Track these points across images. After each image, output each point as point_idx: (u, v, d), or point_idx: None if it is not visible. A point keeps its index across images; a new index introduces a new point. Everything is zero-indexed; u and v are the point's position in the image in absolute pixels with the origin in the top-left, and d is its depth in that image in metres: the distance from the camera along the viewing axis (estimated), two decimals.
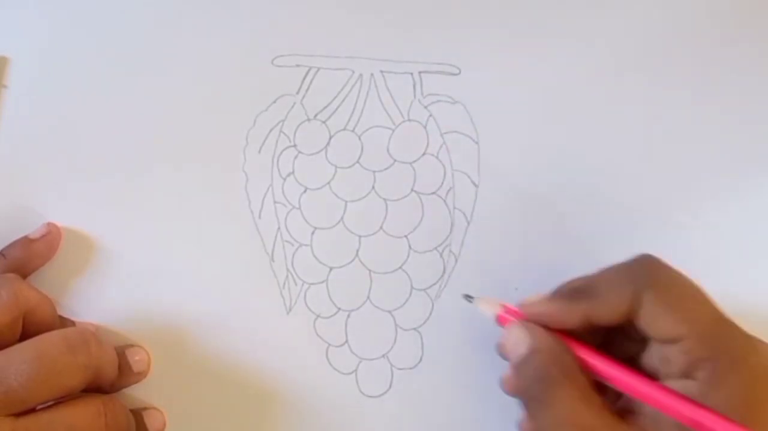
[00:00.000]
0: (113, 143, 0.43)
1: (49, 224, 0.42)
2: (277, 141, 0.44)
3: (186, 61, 0.44)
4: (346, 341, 0.43)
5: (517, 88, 0.44)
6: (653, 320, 0.34)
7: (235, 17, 0.44)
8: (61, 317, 0.42)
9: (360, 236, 0.43)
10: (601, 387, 0.35)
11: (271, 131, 0.44)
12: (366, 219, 0.43)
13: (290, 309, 0.43)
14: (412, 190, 0.44)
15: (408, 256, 0.43)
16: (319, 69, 0.44)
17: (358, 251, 0.43)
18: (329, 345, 0.43)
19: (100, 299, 0.42)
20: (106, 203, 0.43)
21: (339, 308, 0.43)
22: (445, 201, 0.44)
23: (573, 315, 0.36)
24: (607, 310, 0.35)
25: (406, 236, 0.43)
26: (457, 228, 0.43)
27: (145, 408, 0.42)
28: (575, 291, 0.36)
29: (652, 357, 0.35)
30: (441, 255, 0.43)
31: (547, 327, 0.36)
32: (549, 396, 0.34)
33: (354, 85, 0.44)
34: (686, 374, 0.34)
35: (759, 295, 0.43)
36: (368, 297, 0.43)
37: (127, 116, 0.44)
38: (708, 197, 0.43)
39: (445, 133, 0.44)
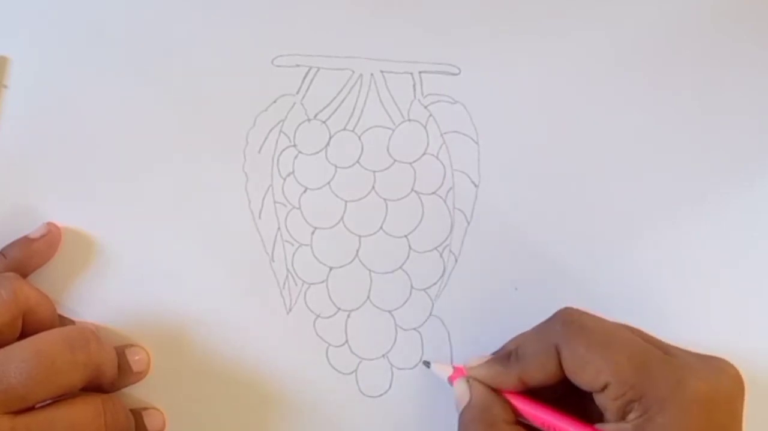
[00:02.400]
0: (113, 143, 0.44)
1: (49, 224, 0.42)
2: (277, 141, 0.44)
3: (186, 61, 0.44)
4: (346, 341, 0.43)
5: (517, 88, 0.44)
6: (576, 373, 0.35)
7: (235, 17, 0.44)
8: (60, 317, 0.42)
9: (360, 236, 0.43)
10: None
11: (271, 131, 0.44)
12: (366, 219, 0.43)
13: (290, 309, 0.43)
14: (412, 190, 0.44)
15: (408, 256, 0.43)
16: (319, 69, 0.44)
17: (358, 251, 0.43)
18: (329, 345, 0.43)
19: (100, 299, 0.42)
20: (106, 203, 0.43)
21: (339, 308, 0.43)
22: (445, 201, 0.44)
23: (508, 379, 0.37)
24: (535, 371, 0.36)
25: (406, 236, 0.43)
26: (457, 228, 0.43)
27: (145, 408, 0.42)
28: (506, 355, 0.38)
29: (597, 404, 0.36)
30: (441, 255, 0.43)
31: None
32: None
33: (354, 85, 0.44)
34: (621, 417, 0.34)
35: (759, 295, 0.43)
36: (368, 297, 0.43)
37: (126, 116, 0.44)
38: (709, 197, 0.43)
39: (445, 133, 0.44)
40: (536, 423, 0.37)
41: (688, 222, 0.43)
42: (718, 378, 0.35)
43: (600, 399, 0.35)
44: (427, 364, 0.41)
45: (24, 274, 0.41)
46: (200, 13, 0.44)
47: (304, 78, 0.44)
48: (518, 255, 0.43)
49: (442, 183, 0.44)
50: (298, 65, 0.44)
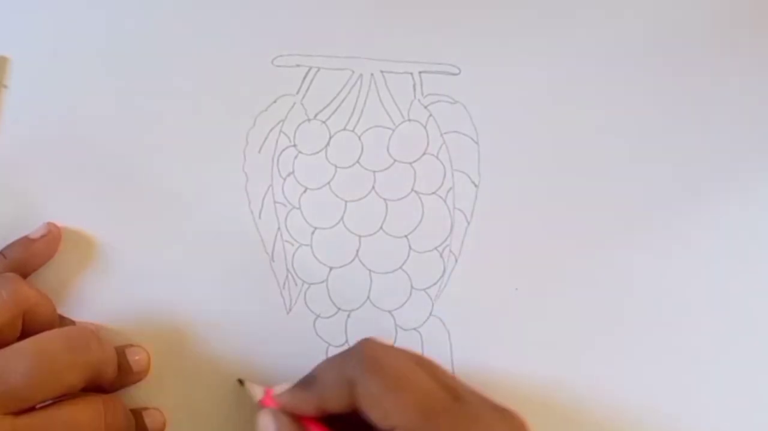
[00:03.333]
0: (113, 143, 0.43)
1: (49, 224, 0.42)
2: (277, 141, 0.44)
3: (186, 62, 0.44)
4: (346, 341, 0.43)
5: (517, 88, 0.44)
6: (368, 410, 0.35)
7: (235, 17, 0.44)
8: (60, 317, 0.42)
9: (360, 236, 0.43)
10: None
11: (271, 131, 0.44)
12: (366, 219, 0.43)
13: (290, 309, 0.43)
14: (412, 190, 0.44)
15: (408, 256, 0.43)
16: (319, 69, 0.44)
17: (358, 251, 0.43)
18: (329, 345, 0.43)
19: (100, 299, 0.42)
20: (106, 203, 0.43)
21: (339, 308, 0.43)
22: (445, 201, 0.44)
23: (307, 405, 0.36)
24: (331, 400, 0.36)
25: (406, 236, 0.43)
26: (457, 228, 0.43)
27: (145, 408, 0.42)
28: (304, 381, 0.37)
29: None
30: (441, 255, 0.43)
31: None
32: None
33: (354, 85, 0.44)
34: None
35: (760, 295, 0.43)
36: (368, 297, 0.43)
37: (126, 116, 0.44)
38: (711, 198, 0.43)
39: (445, 133, 0.44)
40: None
41: (688, 222, 0.43)
42: (504, 424, 0.34)
43: None
44: (241, 382, 0.41)
45: (24, 274, 0.41)
46: (200, 13, 0.44)
47: (304, 78, 0.44)
48: (518, 255, 0.43)
49: (442, 183, 0.44)
50: (298, 65, 0.44)
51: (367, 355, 0.36)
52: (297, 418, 0.37)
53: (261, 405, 0.38)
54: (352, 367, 0.35)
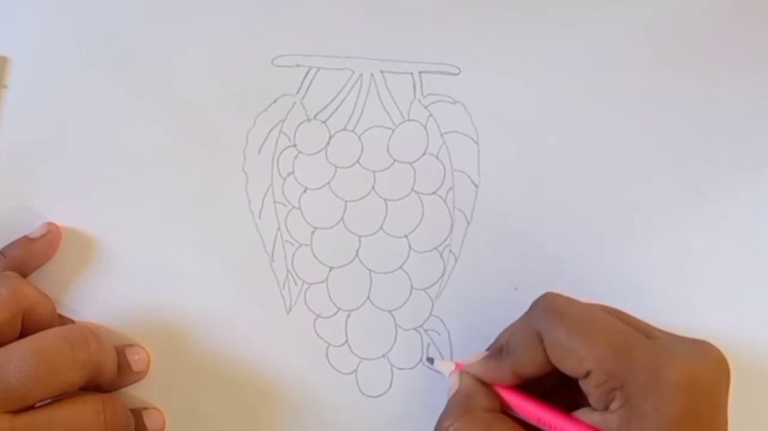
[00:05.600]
0: (113, 143, 0.44)
1: (49, 223, 0.42)
2: (277, 141, 0.44)
3: (186, 62, 0.44)
4: (346, 341, 0.43)
5: (517, 88, 0.44)
6: (559, 360, 0.35)
7: (235, 17, 0.44)
8: (60, 316, 0.42)
9: (360, 236, 0.43)
10: None
11: (271, 131, 0.44)
12: (366, 219, 0.43)
13: (290, 309, 0.43)
14: (412, 190, 0.44)
15: (408, 256, 0.43)
16: (319, 69, 0.44)
17: (358, 251, 0.43)
18: (329, 345, 0.43)
19: (100, 299, 0.42)
20: (106, 203, 0.43)
21: (339, 308, 0.43)
22: (445, 201, 0.44)
23: (502, 373, 0.37)
24: (526, 363, 0.36)
25: (406, 236, 0.43)
26: (457, 228, 0.43)
27: (145, 408, 0.42)
28: (498, 350, 0.38)
29: (585, 393, 0.35)
30: (441, 255, 0.43)
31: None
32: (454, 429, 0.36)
33: (354, 85, 0.44)
34: (606, 406, 0.34)
35: (761, 295, 0.43)
36: (368, 297, 0.43)
37: (126, 116, 0.44)
38: (709, 197, 0.43)
39: (445, 133, 0.44)
40: (526, 416, 0.37)
41: (688, 222, 0.43)
42: (701, 362, 0.34)
43: (584, 386, 0.35)
44: (430, 360, 0.41)
45: (24, 273, 0.41)
46: (200, 13, 0.44)
47: (304, 78, 0.44)
48: (518, 255, 0.43)
49: (442, 183, 0.44)
50: (298, 65, 0.44)
51: (550, 306, 0.36)
52: (490, 385, 0.38)
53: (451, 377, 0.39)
54: (538, 321, 0.36)
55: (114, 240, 0.43)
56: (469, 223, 0.43)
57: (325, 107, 0.44)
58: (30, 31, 0.44)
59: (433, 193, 0.44)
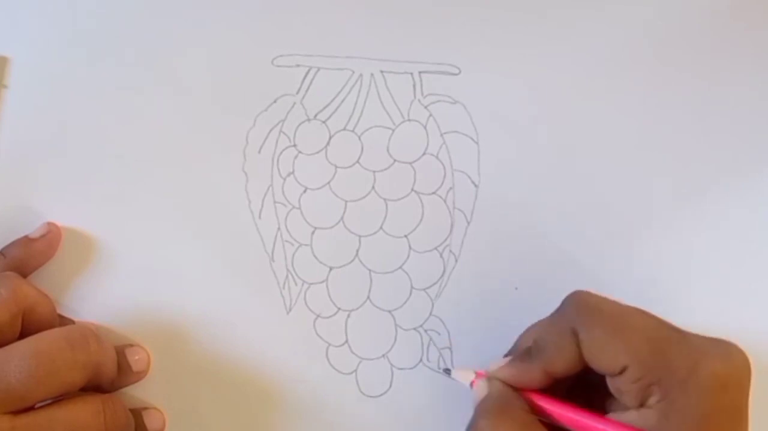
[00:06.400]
0: (113, 143, 0.44)
1: (49, 223, 0.42)
2: (277, 141, 0.44)
3: (186, 62, 0.44)
4: (346, 341, 0.43)
5: (517, 88, 0.44)
6: (595, 356, 0.35)
7: (235, 17, 0.44)
8: (60, 317, 0.42)
9: (360, 236, 0.43)
10: None
11: (271, 131, 0.44)
12: (366, 219, 0.43)
13: (290, 309, 0.43)
14: (412, 190, 0.44)
15: (408, 256, 0.43)
16: (319, 69, 0.44)
17: (358, 251, 0.43)
18: (329, 344, 0.43)
19: (100, 299, 0.42)
20: (106, 203, 0.43)
21: (339, 308, 0.43)
22: (445, 201, 0.44)
23: (533, 375, 0.37)
24: (559, 362, 0.36)
25: (406, 236, 0.43)
26: (457, 228, 0.43)
27: (145, 408, 0.42)
28: (526, 351, 0.37)
29: (614, 391, 0.35)
30: (441, 255, 0.43)
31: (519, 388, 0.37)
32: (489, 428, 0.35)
33: (354, 85, 0.44)
34: (642, 403, 0.34)
35: (761, 296, 0.43)
36: (368, 297, 0.43)
37: (126, 115, 0.44)
38: (709, 196, 0.43)
39: (445, 133, 0.44)
40: (560, 421, 0.36)
41: (688, 222, 0.43)
42: (731, 361, 0.34)
43: (618, 383, 0.35)
44: (447, 372, 0.40)
45: (24, 274, 0.41)
46: (200, 13, 0.44)
47: (304, 78, 0.44)
48: (518, 255, 0.43)
49: (442, 183, 0.44)
50: (298, 65, 0.44)
51: (584, 304, 0.36)
52: (519, 391, 0.37)
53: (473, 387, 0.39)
54: (572, 319, 0.36)
55: (114, 240, 0.43)
56: (469, 223, 0.43)
57: (325, 107, 0.44)
58: (30, 31, 0.44)
59: (433, 193, 0.44)
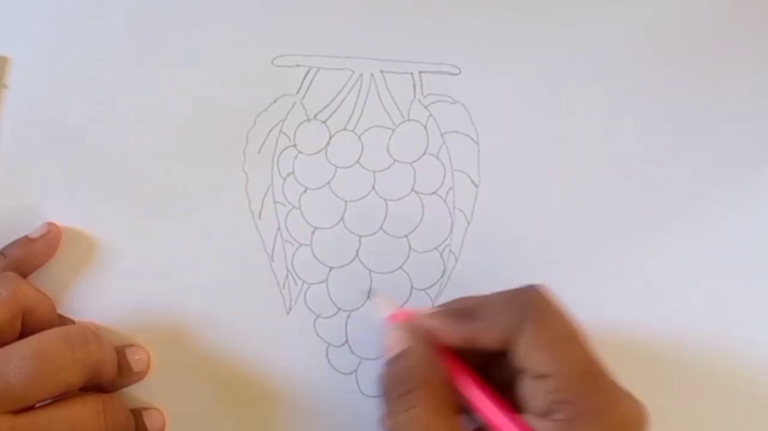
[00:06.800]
0: (113, 143, 0.43)
1: (49, 223, 0.42)
2: (277, 141, 0.44)
3: (186, 62, 0.44)
4: (346, 341, 0.43)
5: (517, 88, 0.44)
6: (527, 352, 0.35)
7: (235, 17, 0.44)
8: (60, 316, 0.42)
9: (360, 236, 0.43)
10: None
11: (271, 131, 0.44)
12: (366, 219, 0.43)
13: (290, 309, 0.43)
14: (412, 190, 0.44)
15: (408, 256, 0.43)
16: (319, 69, 0.44)
17: (358, 251, 0.43)
18: (329, 344, 0.43)
19: (100, 299, 0.42)
20: (106, 202, 0.43)
21: (339, 308, 0.43)
22: (445, 201, 0.44)
23: (456, 334, 0.36)
24: (488, 335, 0.36)
25: (406, 236, 0.43)
26: (457, 228, 0.43)
27: (145, 408, 0.41)
28: (462, 311, 0.37)
29: (523, 389, 0.35)
30: (441, 255, 0.43)
31: (431, 340, 0.37)
32: (407, 399, 0.35)
33: (354, 85, 0.44)
34: (546, 413, 0.34)
35: (761, 296, 0.43)
36: (368, 297, 0.43)
37: (126, 115, 0.44)
38: (709, 198, 0.43)
39: (445, 133, 0.44)
40: (461, 386, 0.36)
41: (688, 222, 0.43)
42: (639, 410, 0.35)
43: (533, 386, 0.35)
44: (369, 296, 0.41)
45: (24, 274, 0.41)
46: (200, 13, 0.44)
47: (304, 78, 0.44)
48: (518, 255, 0.43)
49: (442, 183, 0.44)
50: (298, 65, 0.44)
51: (540, 302, 0.36)
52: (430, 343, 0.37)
53: (388, 322, 0.38)
54: (525, 309, 0.35)
55: (114, 240, 0.43)
56: (469, 223, 0.43)
57: (325, 107, 0.44)
58: (30, 31, 0.44)
59: (433, 193, 0.44)
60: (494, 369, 0.37)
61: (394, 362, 0.36)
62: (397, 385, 0.36)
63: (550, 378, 0.34)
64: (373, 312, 0.40)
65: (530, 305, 0.36)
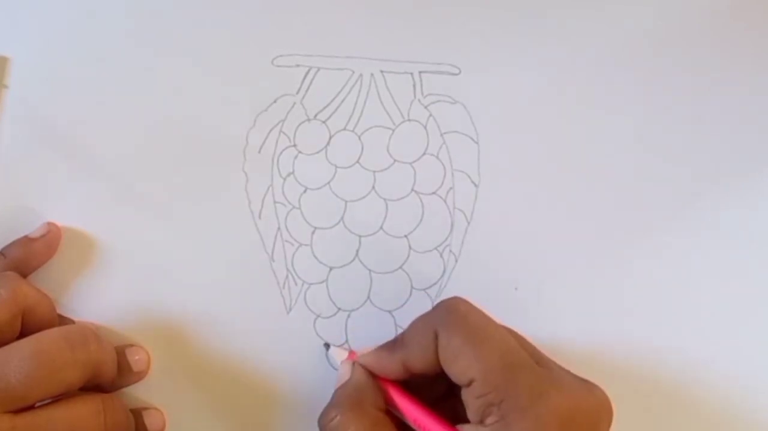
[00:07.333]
0: (113, 143, 0.43)
1: (49, 223, 0.42)
2: (277, 141, 0.44)
3: (186, 61, 0.44)
4: (346, 341, 0.43)
5: (517, 88, 0.44)
6: (448, 362, 0.35)
7: (235, 17, 0.44)
8: (60, 316, 0.42)
9: (360, 236, 0.43)
10: None
11: (271, 131, 0.44)
12: (366, 219, 0.43)
13: (290, 309, 0.43)
14: (412, 190, 0.44)
15: (408, 256, 0.43)
16: (319, 69, 0.44)
17: (358, 251, 0.43)
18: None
19: (100, 299, 0.42)
20: (106, 202, 0.43)
21: (339, 308, 0.43)
22: (445, 201, 0.44)
23: (392, 365, 0.37)
24: (416, 358, 0.36)
25: (406, 236, 0.43)
26: (457, 228, 0.43)
27: (145, 408, 0.42)
28: (394, 341, 0.38)
29: (464, 403, 0.35)
30: (441, 255, 0.43)
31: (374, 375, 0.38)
32: (339, 421, 0.36)
33: (354, 85, 0.44)
34: (481, 420, 0.34)
35: (761, 296, 0.43)
36: (368, 297, 0.43)
37: (126, 115, 0.44)
38: (708, 197, 0.43)
39: (445, 133, 0.44)
40: (404, 415, 0.37)
41: (686, 222, 0.43)
42: (583, 397, 0.34)
43: (464, 395, 0.35)
44: (327, 346, 0.42)
45: (24, 274, 0.41)
46: (200, 13, 0.44)
47: (304, 78, 0.44)
48: (518, 255, 0.43)
49: (442, 183, 0.44)
50: (298, 65, 0.44)
51: (454, 309, 0.36)
52: (378, 380, 0.38)
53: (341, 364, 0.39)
54: (437, 321, 0.36)
55: (114, 240, 0.43)
56: (469, 223, 0.43)
57: (325, 107, 0.44)
58: (30, 31, 0.44)
59: (433, 193, 0.44)
60: (452, 398, 0.37)
61: (335, 392, 0.38)
62: (332, 410, 0.37)
63: (474, 383, 0.34)
64: (331, 361, 0.41)
65: (443, 316, 0.36)
